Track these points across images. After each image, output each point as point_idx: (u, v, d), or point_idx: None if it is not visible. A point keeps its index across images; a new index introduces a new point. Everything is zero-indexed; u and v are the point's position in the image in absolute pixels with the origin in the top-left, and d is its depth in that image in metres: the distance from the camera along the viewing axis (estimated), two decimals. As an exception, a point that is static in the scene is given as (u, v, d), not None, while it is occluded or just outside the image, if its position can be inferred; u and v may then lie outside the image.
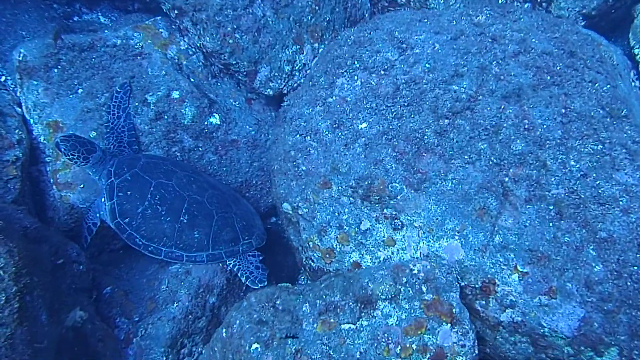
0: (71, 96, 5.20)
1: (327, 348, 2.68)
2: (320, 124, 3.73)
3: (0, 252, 2.38)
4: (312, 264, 3.84)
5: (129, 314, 3.91)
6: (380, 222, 3.46)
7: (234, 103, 5.63)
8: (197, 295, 4.10)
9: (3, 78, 5.53)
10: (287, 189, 3.87)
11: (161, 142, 5.14)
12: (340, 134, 3.62)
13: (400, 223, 3.38)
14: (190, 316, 4.00)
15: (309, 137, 3.74)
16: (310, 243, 3.74)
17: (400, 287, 2.77)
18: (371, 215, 3.48)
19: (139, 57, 5.30)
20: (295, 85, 5.49)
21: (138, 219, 4.14)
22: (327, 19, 5.61)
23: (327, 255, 3.60)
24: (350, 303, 2.73)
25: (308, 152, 3.70)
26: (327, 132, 3.67)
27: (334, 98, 3.76)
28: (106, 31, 5.51)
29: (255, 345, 2.77)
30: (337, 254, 3.64)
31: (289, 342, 2.73)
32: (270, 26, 5.10)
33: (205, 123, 5.23)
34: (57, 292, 2.90)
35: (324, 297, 2.79)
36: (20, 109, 5.05)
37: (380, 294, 2.75)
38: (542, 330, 2.93)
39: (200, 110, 5.13)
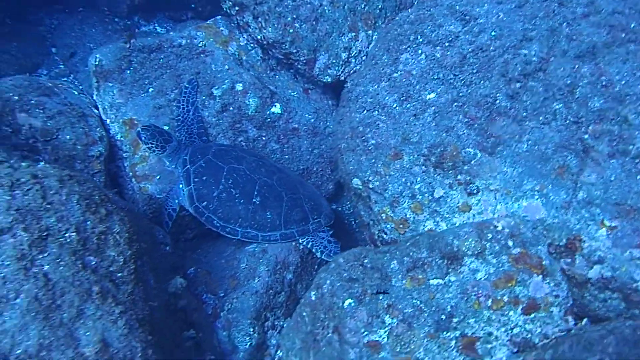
0: (143, 95, 5.41)
1: (418, 302, 2.67)
2: (387, 98, 3.73)
3: (114, 219, 2.51)
4: (384, 236, 3.84)
5: (213, 290, 4.02)
6: (454, 188, 3.42)
7: (292, 93, 5.70)
8: (276, 271, 4.17)
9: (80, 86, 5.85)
10: (356, 164, 3.88)
11: (228, 133, 5.27)
12: (408, 105, 3.60)
13: (475, 188, 3.32)
14: (271, 291, 4.07)
15: (376, 112, 3.74)
16: (383, 215, 3.73)
17: (485, 242, 2.72)
18: (444, 183, 3.44)
19: (202, 55, 5.46)
20: (352, 71, 5.51)
21: (214, 202, 4.25)
22: (379, 6, 5.61)
23: (401, 226, 3.58)
24: (437, 259, 2.71)
25: (377, 126, 3.70)
26: (394, 105, 3.66)
27: (399, 73, 3.75)
28: (171, 33, 5.69)
29: (348, 301, 2.80)
30: (411, 223, 3.62)
31: (381, 298, 2.73)
32: (327, 15, 5.15)
33: (268, 113, 5.32)
34: (155, 264, 3.02)
35: (411, 254, 2.78)
36: (97, 111, 5.27)
37: (466, 250, 2.71)
38: (634, 285, 2.81)
39: (263, 100, 5.22)
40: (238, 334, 3.84)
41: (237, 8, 5.17)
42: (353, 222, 6.02)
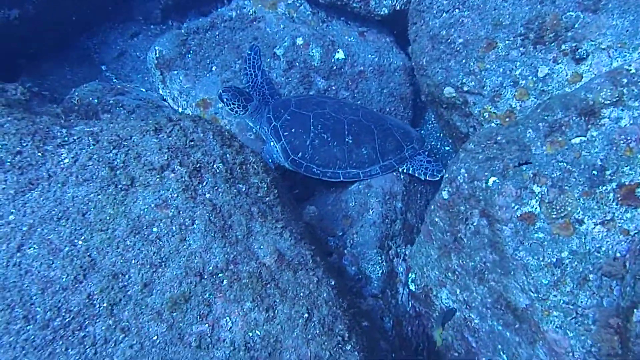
0: (208, 74, 5.55)
1: (565, 164, 2.63)
2: (464, -7, 3.65)
3: (247, 152, 2.62)
4: (491, 137, 3.77)
5: (332, 232, 4.11)
6: (560, 61, 3.33)
7: (349, 39, 5.70)
8: (386, 201, 4.21)
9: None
10: (444, 73, 3.85)
11: (299, 89, 5.33)
12: (491, -9, 3.51)
13: (584, 52, 3.22)
14: (387, 220, 4.11)
15: (457, 10, 3.69)
16: (486, 114, 3.69)
17: (622, 88, 2.63)
18: (547, 59, 3.36)
19: (255, 22, 5.54)
20: (405, 0, 5.43)
21: (309, 150, 4.32)
22: None
23: (507, 119, 3.52)
24: (574, 117, 2.65)
25: (461, 23, 3.65)
26: (476, -4, 3.59)
27: (471, -35, 3.66)
28: (219, 9, 5.79)
29: (492, 179, 2.78)
30: (518, 112, 3.55)
31: (524, 169, 2.70)
32: (371, -56, 5.08)
33: (332, 60, 5.34)
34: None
35: (546, 118, 2.73)
36: (166, 102, 5.48)
37: (602, 101, 2.63)
38: None
39: (325, 49, 5.25)
40: (368, 265, 3.91)
41: (280, -37, 5.18)
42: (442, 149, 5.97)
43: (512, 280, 2.78)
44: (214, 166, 2.43)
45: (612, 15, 3.12)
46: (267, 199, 2.57)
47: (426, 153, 4.62)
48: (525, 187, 2.67)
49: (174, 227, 2.21)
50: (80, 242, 2.19)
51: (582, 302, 2.57)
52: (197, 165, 2.39)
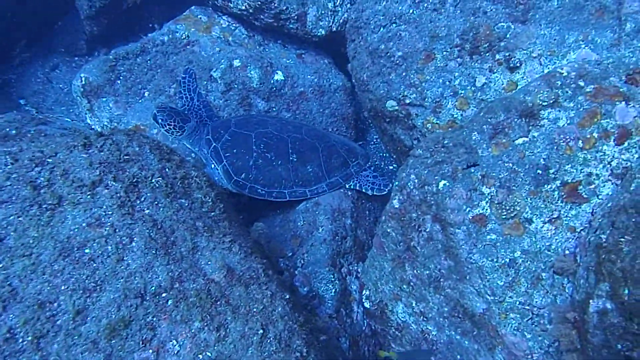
0: (140, 100, 5.39)
1: (511, 165, 2.70)
2: (399, 7, 3.79)
3: (188, 166, 2.50)
4: (435, 148, 3.86)
5: (281, 253, 3.99)
6: (495, 70, 3.47)
7: (287, 61, 5.74)
8: (335, 218, 4.17)
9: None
10: (386, 86, 3.92)
11: (238, 111, 5.27)
12: (425, 5, 3.67)
13: (517, 61, 3.38)
14: (337, 237, 4.06)
15: (394, 25, 3.79)
16: (428, 125, 3.77)
17: (557, 90, 2.76)
18: (484, 68, 3.50)
19: (188, 46, 5.46)
20: (341, 20, 5.57)
21: (253, 171, 4.23)
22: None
23: (450, 129, 3.61)
24: (515, 119, 2.75)
25: (399, 37, 3.75)
26: (411, 10, 3.72)
27: (404, -19, 3.80)
28: (149, 34, 5.68)
29: (442, 182, 2.80)
30: (460, 122, 3.65)
31: (472, 171, 2.75)
32: (304, -33, 5.19)
33: (272, 82, 5.33)
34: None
35: (489, 120, 2.81)
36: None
37: (540, 103, 2.75)
38: None
39: (264, 70, 5.24)
40: (320, 284, 3.82)
41: (212, -15, 5.17)
42: (384, 165, 6.05)
43: (468, 285, 2.78)
44: (153, 180, 2.28)
45: (540, 25, 3.31)
46: (213, 213, 2.44)
47: (372, 168, 4.65)
48: (474, 188, 2.71)
49: (109, 247, 2.03)
50: (-2, 272, 1.95)
51: (536, 301, 2.60)
52: (134, 180, 2.23)
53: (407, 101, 3.83)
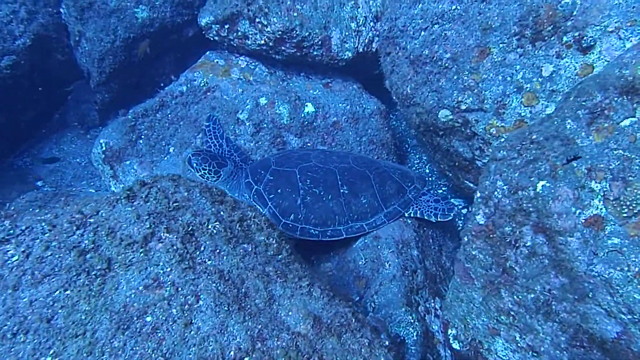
0: (166, 157, 5.28)
1: (621, 152, 2.38)
2: (440, 6, 3.61)
3: (243, 207, 2.28)
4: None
5: (346, 299, 3.67)
6: (564, 55, 3.22)
7: (314, 92, 5.61)
8: (400, 251, 3.86)
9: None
10: (436, 95, 3.69)
11: (271, 152, 5.10)
12: (470, -2, 3.45)
13: (590, 40, 3.12)
14: (407, 271, 3.74)
15: (436, 25, 3.60)
16: (492, 130, 3.51)
17: (658, 58, 2.47)
18: (549, 55, 3.25)
19: (209, 93, 5.39)
20: (367, 41, 5.45)
21: (302, 210, 4.00)
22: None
23: (533, 124, 3.32)
24: (616, 98, 2.45)
25: (444, 37, 3.55)
26: (454, 7, 3.54)
27: (439, -23, 3.64)
28: (167, 87, 5.64)
29: (541, 183, 2.49)
30: (530, 119, 3.37)
31: (575, 165, 2.44)
32: (320, -10, 5.13)
33: (302, 115, 5.18)
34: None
35: (584, 104, 2.52)
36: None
37: (643, 75, 2.45)
38: None
39: (292, 104, 5.10)
40: (399, 328, 3.47)
41: (227, 25, 5.13)
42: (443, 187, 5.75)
43: (592, 305, 2.41)
44: (209, 226, 2.05)
45: (612, -8, 3.06)
46: (280, 256, 2.19)
47: (431, 192, 4.35)
48: (582, 186, 2.39)
49: (173, 310, 1.78)
50: (49, 359, 1.71)
51: (689, 314, 2.22)
52: (189, 229, 2.00)
53: (463, 107, 3.58)
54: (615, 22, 3.04)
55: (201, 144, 5.11)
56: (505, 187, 2.64)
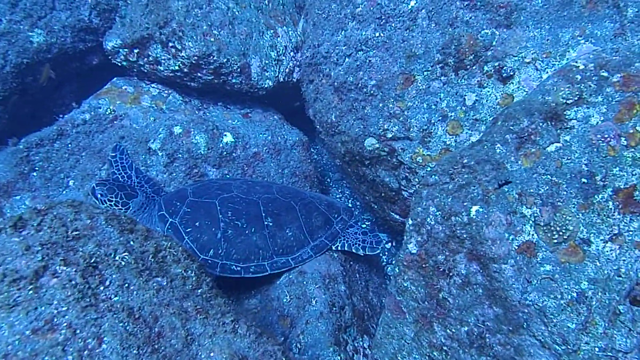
0: (65, 191, 4.90)
1: (549, 177, 2.44)
2: (363, 33, 3.65)
3: (157, 236, 2.06)
4: (430, 184, 3.60)
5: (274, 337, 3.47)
6: (485, 84, 3.34)
7: (233, 122, 5.48)
8: (327, 286, 3.74)
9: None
10: (362, 122, 3.69)
11: (187, 183, 4.86)
12: (393, 25, 3.54)
13: (509, 70, 3.26)
14: (334, 307, 3.62)
15: (360, 52, 3.63)
16: (419, 159, 3.54)
17: (578, 85, 2.59)
18: (472, 84, 3.36)
19: (116, 121, 5.11)
20: (288, 70, 5.45)
21: (223, 244, 3.79)
22: (281, 2, 5.71)
23: (465, 148, 3.38)
24: (541, 123, 2.53)
25: (369, 64, 3.58)
26: (377, 34, 3.59)
27: (361, 6, 3.69)
28: (67, 115, 5.29)
29: (474, 208, 2.48)
30: (455, 148, 3.45)
31: (507, 190, 2.46)
32: (239, 16, 5.11)
33: (221, 145, 5.02)
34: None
35: (511, 129, 2.57)
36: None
37: (564, 101, 2.56)
38: None
39: (210, 133, 4.94)
40: (328, 371, 3.31)
41: (136, 49, 4.92)
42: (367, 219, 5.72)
43: (526, 337, 2.40)
44: (117, 258, 1.82)
45: (527, 27, 3.23)
46: (200, 290, 1.98)
47: (358, 224, 4.30)
48: (514, 211, 2.41)
49: (69, 357, 1.52)
50: None
51: (620, 344, 2.25)
52: (92, 261, 1.76)
53: (389, 135, 3.59)
54: (532, 54, 3.19)
55: (107, 175, 4.76)
56: (438, 213, 2.62)
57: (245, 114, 5.75)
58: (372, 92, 3.58)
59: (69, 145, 4.99)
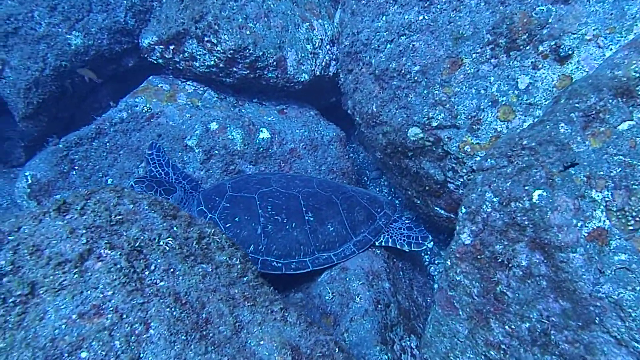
0: (103, 189, 4.89)
1: (621, 157, 2.28)
2: (406, 17, 3.54)
3: (200, 223, 2.01)
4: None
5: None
6: (540, 65, 3.18)
7: (269, 118, 5.44)
8: (371, 283, 3.63)
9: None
10: (405, 111, 3.58)
11: (224, 180, 4.83)
12: (439, 7, 3.42)
13: (567, 48, 3.10)
14: (379, 305, 3.51)
15: (403, 37, 3.52)
16: (466, 148, 3.40)
17: (647, 57, 2.43)
18: (525, 66, 3.21)
19: (152, 119, 5.13)
20: (324, 63, 5.38)
21: (263, 240, 3.73)
22: (316, -6, 5.66)
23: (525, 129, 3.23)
24: (610, 100, 2.37)
25: (412, 48, 3.47)
26: (421, 17, 3.48)
27: (405, -12, 3.59)
28: (105, 114, 5.35)
29: (537, 193, 2.34)
30: (507, 134, 3.29)
31: (573, 172, 2.31)
32: (274, 9, 5.06)
33: (257, 141, 4.98)
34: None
35: (577, 106, 2.42)
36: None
37: (636, 75, 2.39)
38: None
39: (246, 129, 4.90)
40: (375, 371, 3.20)
41: (172, 46, 4.93)
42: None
43: (599, 333, 2.23)
44: (161, 243, 1.76)
45: (587, 1, 3.06)
46: (246, 278, 1.91)
47: (402, 218, 4.18)
48: (582, 195, 2.26)
49: (117, 343, 1.47)
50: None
51: None
52: (136, 245, 1.70)
53: (435, 124, 3.47)
54: (594, 30, 3.03)
55: (144, 173, 4.78)
56: (495, 199, 2.48)
57: (281, 110, 5.71)
58: (415, 78, 3.47)
59: (107, 144, 5.04)
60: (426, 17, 3.47)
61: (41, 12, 5.11)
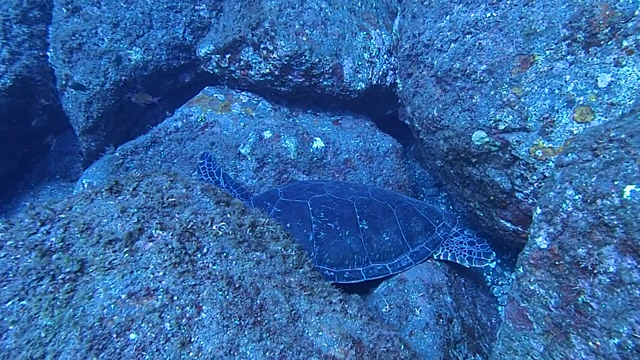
0: (156, 197, 4.92)
1: None
2: (471, 15, 3.41)
3: (254, 212, 1.93)
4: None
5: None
6: (624, 63, 2.97)
7: (323, 129, 5.37)
8: (432, 295, 3.44)
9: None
10: (470, 114, 3.42)
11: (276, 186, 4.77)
12: (508, 3, 3.28)
13: (652, 42, 2.88)
14: (441, 319, 3.31)
15: (469, 35, 3.38)
16: (538, 152, 3.21)
17: None
18: (606, 63, 3.00)
19: (207, 128, 5.16)
20: (381, 73, 5.29)
21: (315, 247, 3.62)
22: (374, 5, 5.61)
23: (610, 121, 3.01)
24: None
25: (479, 47, 3.32)
26: (488, 14, 3.33)
27: (469, -13, 3.47)
28: (161, 123, 5.43)
29: (629, 188, 2.13)
30: (583, 137, 3.07)
31: (666, 165, 2.10)
32: (331, 17, 5.03)
33: (311, 150, 4.91)
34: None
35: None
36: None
37: None
38: None
39: (300, 138, 4.84)
40: (438, 391, 2.99)
41: (228, 54, 4.97)
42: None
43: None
44: (214, 227, 1.68)
45: (676, -13, 2.85)
46: (302, 270, 1.79)
47: (464, 232, 3.98)
48: (676, 191, 2.04)
49: (167, 325, 1.38)
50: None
51: None
52: (189, 227, 1.63)
53: (502, 127, 3.29)
54: (686, 20, 2.81)
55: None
56: (577, 197, 2.28)
57: (336, 120, 5.65)
58: (482, 78, 3.31)
59: (162, 153, 5.10)
60: (494, 14, 3.33)
61: (104, 28, 5.27)
